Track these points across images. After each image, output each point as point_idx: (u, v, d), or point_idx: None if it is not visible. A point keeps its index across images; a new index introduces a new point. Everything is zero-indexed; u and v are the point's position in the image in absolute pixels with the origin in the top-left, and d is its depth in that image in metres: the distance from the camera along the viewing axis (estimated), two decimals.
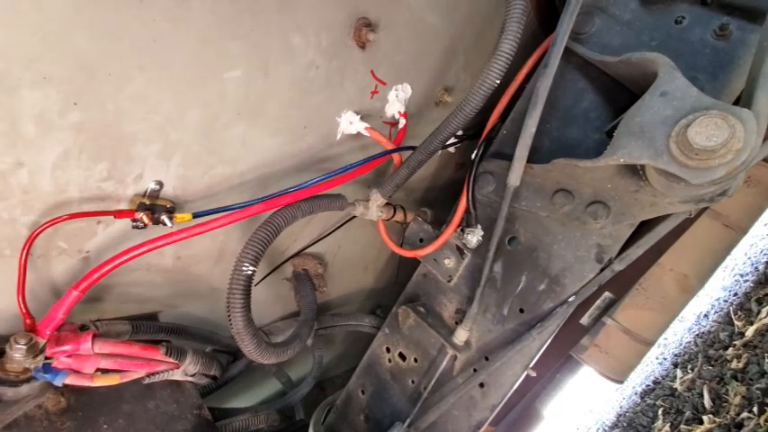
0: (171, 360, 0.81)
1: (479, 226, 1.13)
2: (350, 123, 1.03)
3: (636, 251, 0.96)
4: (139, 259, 0.86)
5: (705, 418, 2.03)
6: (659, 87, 0.66)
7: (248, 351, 0.80)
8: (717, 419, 1.95)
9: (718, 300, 3.38)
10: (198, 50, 0.71)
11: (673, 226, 0.94)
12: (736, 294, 3.08)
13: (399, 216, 1.26)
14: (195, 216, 0.82)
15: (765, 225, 3.54)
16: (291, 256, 1.22)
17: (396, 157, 1.10)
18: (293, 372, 1.61)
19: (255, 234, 0.80)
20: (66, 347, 0.69)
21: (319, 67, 0.90)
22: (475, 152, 1.14)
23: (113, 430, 0.70)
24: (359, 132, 1.05)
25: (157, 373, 0.80)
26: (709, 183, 0.62)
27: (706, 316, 3.41)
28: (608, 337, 1.96)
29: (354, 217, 1.31)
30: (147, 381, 0.80)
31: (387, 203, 1.19)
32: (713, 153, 0.57)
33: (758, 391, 1.71)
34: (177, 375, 0.83)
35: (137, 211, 0.76)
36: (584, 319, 1.82)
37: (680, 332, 3.55)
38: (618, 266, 0.97)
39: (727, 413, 1.90)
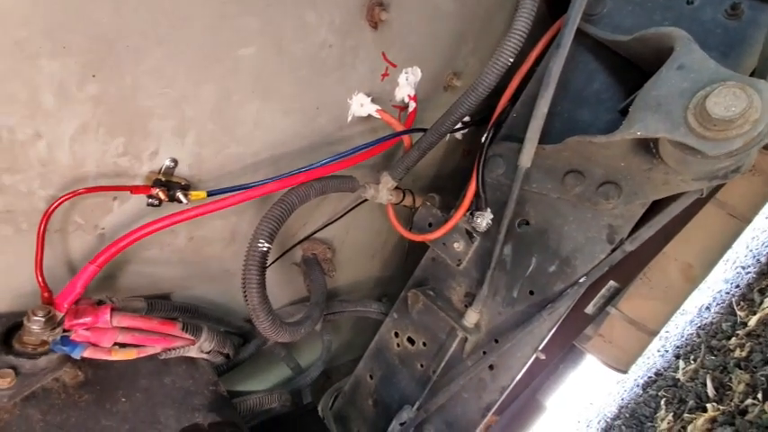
0: (187, 336, 0.81)
1: (489, 209, 1.13)
2: (361, 105, 1.03)
3: (647, 231, 0.97)
4: (154, 238, 0.87)
5: (709, 406, 2.05)
6: (676, 60, 0.66)
7: (263, 328, 0.80)
8: (721, 407, 1.96)
9: (719, 292, 3.39)
10: (215, 25, 0.72)
11: (684, 205, 0.94)
12: (738, 286, 3.10)
13: (408, 200, 1.26)
14: (210, 194, 0.82)
15: (767, 218, 3.55)
16: (301, 241, 1.22)
17: (406, 139, 1.10)
18: (302, 358, 1.61)
19: (270, 211, 0.81)
20: (86, 319, 0.69)
21: (332, 46, 0.90)
22: (485, 135, 1.14)
23: (131, 404, 0.71)
24: (370, 115, 1.05)
25: (174, 349, 0.80)
26: (725, 155, 0.62)
27: (708, 308, 3.42)
28: (612, 326, 1.97)
29: (363, 202, 1.31)
30: (163, 356, 0.80)
31: (396, 187, 1.19)
32: (731, 123, 0.58)
33: (762, 378, 1.72)
34: (193, 352, 0.83)
35: (153, 187, 0.76)
36: (589, 309, 1.82)
37: (681, 324, 3.57)
38: (629, 247, 0.98)
39: (731, 401, 1.91)
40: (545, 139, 0.99)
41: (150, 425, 0.69)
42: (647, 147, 0.83)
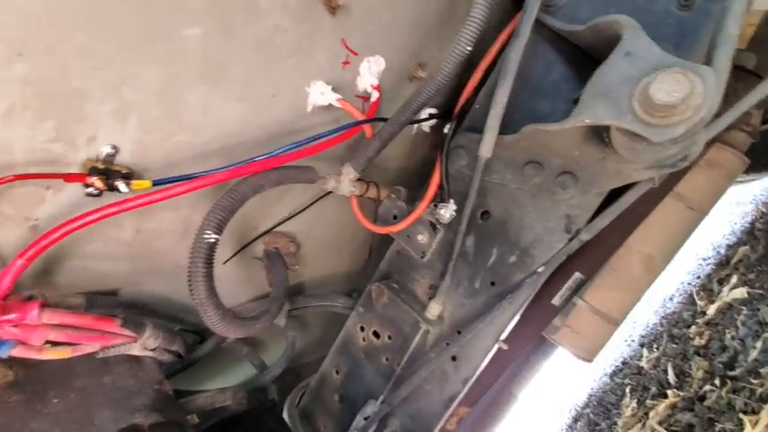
0: (128, 333, 0.77)
1: (452, 201, 1.13)
2: (321, 94, 1.00)
3: (602, 221, 0.98)
4: (95, 231, 0.82)
5: (669, 392, 2.12)
6: (624, 48, 0.67)
7: (212, 323, 0.77)
8: (681, 393, 2.04)
9: (682, 283, 3.53)
10: (152, 1, 0.67)
11: (638, 195, 0.96)
12: (698, 277, 3.23)
13: (373, 192, 1.24)
14: (155, 184, 0.78)
15: (728, 212, 3.71)
16: (262, 234, 1.19)
17: (368, 130, 1.08)
18: (268, 356, 1.58)
19: (219, 202, 0.77)
20: (11, 316, 0.64)
21: (287, 31, 0.87)
22: (447, 126, 1.13)
23: (64, 405, 0.66)
24: (330, 104, 1.03)
25: (113, 347, 0.76)
26: (670, 142, 0.63)
27: (671, 298, 3.56)
28: (578, 317, 2.00)
29: (327, 195, 1.29)
30: (101, 355, 0.76)
31: (360, 179, 1.17)
32: (674, 109, 0.58)
33: (720, 365, 1.79)
34: (136, 350, 0.79)
35: (89, 175, 0.71)
36: (556, 300, 1.86)
37: (647, 315, 3.70)
38: (585, 236, 0.99)
39: (691, 387, 1.99)
40: (506, 129, 0.99)
41: (83, 426, 0.64)
42: (600, 136, 0.84)
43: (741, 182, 2.89)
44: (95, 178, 0.71)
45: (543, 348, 2.82)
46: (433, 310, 1.13)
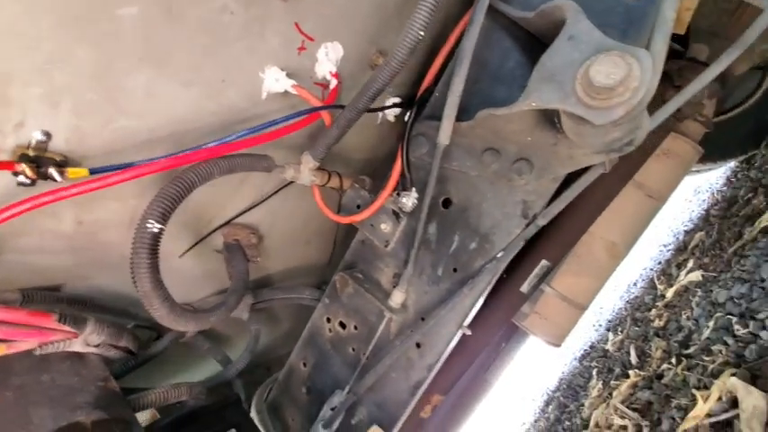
0: (67, 328, 0.73)
1: (414, 189, 1.13)
2: (275, 80, 0.98)
3: (557, 205, 1.00)
4: (30, 222, 0.78)
5: (631, 372, 2.21)
6: (567, 31, 0.67)
7: (159, 316, 0.74)
8: (641, 373, 2.13)
9: (644, 269, 3.68)
10: None
11: (590, 180, 0.98)
12: (659, 263, 3.37)
13: (335, 182, 1.22)
14: (93, 172, 0.74)
15: (686, 200, 3.89)
16: (220, 226, 1.15)
17: (326, 117, 1.06)
18: (234, 349, 1.55)
19: (163, 190, 0.74)
20: None
21: (234, 14, 0.84)
22: (408, 114, 1.13)
23: (0, 403, 0.63)
24: (286, 91, 1.00)
25: (52, 343, 0.72)
26: (611, 124, 0.64)
27: (635, 284, 3.71)
28: (546, 303, 2.06)
29: (289, 185, 1.26)
30: (40, 352, 0.72)
31: (321, 168, 1.16)
32: (612, 91, 0.59)
33: (676, 344, 1.88)
34: (77, 346, 0.75)
35: (18, 162, 0.67)
36: (525, 287, 1.90)
37: (613, 300, 3.85)
38: (542, 221, 1.01)
39: (650, 366, 2.08)
40: (465, 117, 0.99)
41: (20, 426, 0.61)
42: (552, 122, 0.85)
43: (699, 171, 3.03)
44: (25, 166, 0.67)
45: (516, 337, 2.89)
46: (397, 298, 1.13)
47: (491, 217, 1.04)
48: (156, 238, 0.71)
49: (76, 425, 0.64)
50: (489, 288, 1.11)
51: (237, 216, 1.16)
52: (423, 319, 1.14)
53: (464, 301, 1.07)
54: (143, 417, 1.34)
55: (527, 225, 1.01)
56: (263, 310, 1.53)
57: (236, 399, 1.09)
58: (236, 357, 1.40)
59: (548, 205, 1.02)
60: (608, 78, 0.58)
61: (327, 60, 1.07)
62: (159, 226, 0.71)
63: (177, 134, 0.89)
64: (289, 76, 0.99)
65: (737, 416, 1.19)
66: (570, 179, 1.01)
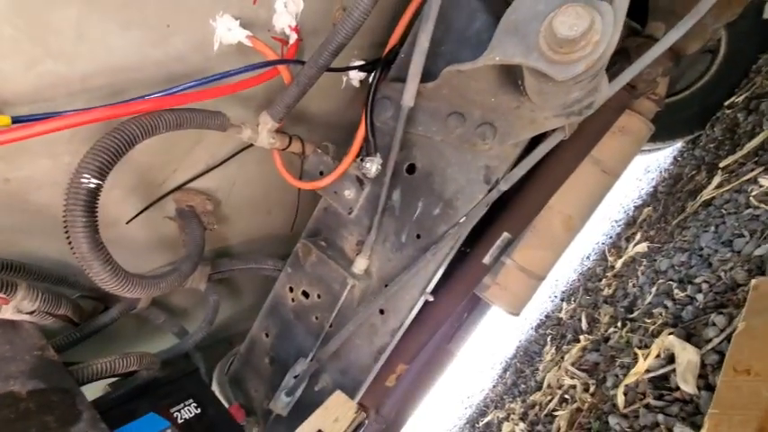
0: None
1: (378, 154, 1.10)
2: (228, 30, 0.90)
3: (518, 171, 1.02)
4: None
5: (582, 337, 2.36)
6: None
7: (101, 281, 0.68)
8: (590, 337, 2.27)
9: (597, 243, 3.89)
10: None
11: (550, 146, 1.00)
12: (610, 237, 3.58)
13: (296, 147, 1.18)
14: (16, 121, 0.66)
15: (637, 179, 4.12)
16: (172, 191, 1.08)
17: (285, 75, 1.00)
18: (193, 321, 1.49)
19: (100, 141, 0.67)
20: None
21: None
22: (372, 75, 1.09)
23: None
24: (241, 43, 0.93)
25: None
26: (572, 81, 0.64)
27: (588, 257, 3.92)
28: (507, 274, 2.14)
29: (247, 148, 1.20)
30: None
31: (281, 132, 1.10)
32: (575, 44, 0.59)
33: (622, 310, 2.01)
34: (8, 313, 0.69)
35: None
36: (487, 259, 1.96)
37: (568, 272, 4.06)
38: (503, 186, 1.02)
39: (599, 331, 2.22)
40: (430, 80, 0.97)
41: None
42: (516, 84, 0.85)
43: (649, 151, 3.20)
44: None
45: (478, 309, 2.99)
46: (360, 264, 1.12)
47: (455, 182, 1.04)
48: (93, 194, 0.65)
49: (10, 394, 0.59)
50: (452, 254, 1.13)
51: (191, 180, 1.10)
52: (386, 286, 1.14)
53: (427, 266, 1.08)
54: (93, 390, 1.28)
55: (489, 190, 1.02)
56: (223, 282, 1.48)
57: (194, 369, 1.05)
58: (194, 329, 1.35)
59: (509, 171, 1.03)
60: (571, 30, 0.58)
61: (286, 12, 1.01)
62: (96, 181, 0.65)
63: (116, 85, 0.81)
64: (243, 26, 0.92)
65: (674, 370, 1.29)
66: (531, 147, 1.03)
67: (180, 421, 0.92)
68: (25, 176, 0.79)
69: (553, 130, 0.98)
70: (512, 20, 0.66)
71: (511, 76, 0.83)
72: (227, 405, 1.28)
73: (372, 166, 1.09)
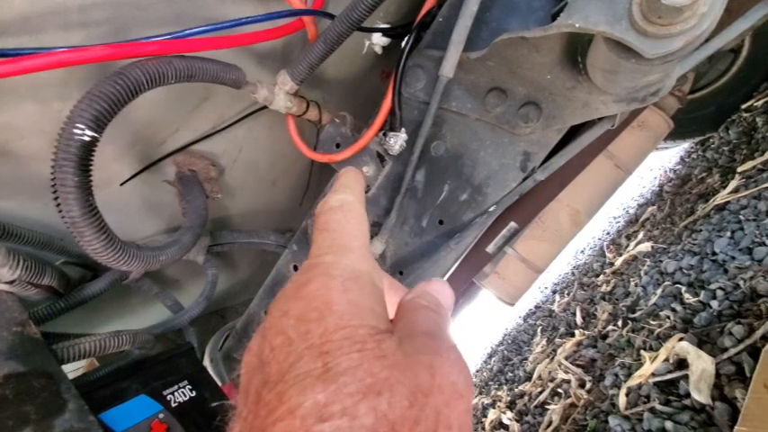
0: None
1: (404, 129, 1.00)
2: None
3: (558, 160, 0.94)
4: None
5: (577, 332, 2.35)
6: None
7: (94, 250, 0.59)
8: (586, 332, 2.26)
9: (593, 238, 3.88)
10: None
11: (595, 136, 0.92)
12: (609, 233, 3.56)
13: (313, 114, 1.07)
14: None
15: (638, 177, 4.09)
16: (173, 152, 0.97)
17: (310, 28, 0.88)
18: (187, 295, 1.40)
19: (99, 86, 0.56)
20: None
21: None
22: (406, 39, 0.97)
23: None
24: None
25: None
26: (660, 60, 0.55)
27: (582, 252, 3.91)
28: (507, 265, 2.09)
29: (259, 110, 1.09)
30: None
31: (299, 95, 0.99)
32: (679, 15, 0.50)
33: (623, 308, 1.99)
34: None
35: None
36: (490, 248, 1.90)
37: (560, 265, 4.07)
38: (540, 176, 0.94)
39: (596, 327, 2.21)
40: (470, 49, 0.86)
41: None
42: (575, 61, 0.76)
43: (656, 149, 3.14)
44: None
45: (468, 292, 2.96)
46: (376, 248, 1.04)
47: (487, 167, 0.96)
48: (88, 149, 0.54)
49: None
50: (473, 244, 1.05)
51: (195, 142, 0.98)
52: (401, 273, 1.06)
53: (448, 256, 1.00)
54: (76, 367, 1.19)
55: (524, 178, 0.94)
56: (221, 255, 1.39)
57: (189, 348, 0.97)
58: (190, 304, 1.26)
59: (546, 159, 0.95)
60: None
61: None
62: (91, 134, 0.54)
63: (119, 21, 0.69)
64: None
65: (683, 377, 1.26)
66: (569, 134, 0.94)
67: (174, 405, 0.85)
68: (5, 122, 0.67)
69: (601, 119, 0.89)
70: None
71: (573, 51, 0.73)
72: (219, 383, 1.21)
73: (396, 142, 0.99)
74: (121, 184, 0.93)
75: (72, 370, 1.24)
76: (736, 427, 0.82)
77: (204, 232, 1.14)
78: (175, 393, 0.87)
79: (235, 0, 0.82)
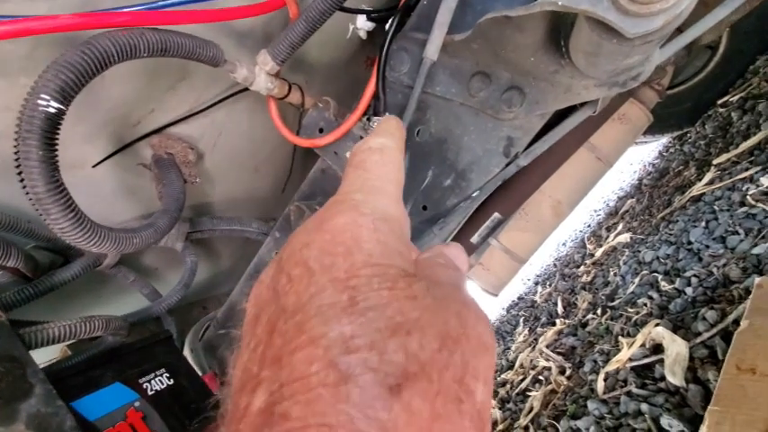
0: None
1: (388, 114, 0.99)
2: None
3: (541, 146, 0.94)
4: None
5: (558, 321, 2.40)
6: None
7: (61, 229, 0.56)
8: (567, 321, 2.31)
9: (574, 230, 3.96)
10: None
11: (578, 122, 0.93)
12: (589, 225, 3.63)
13: (296, 97, 1.04)
14: None
15: (618, 171, 4.18)
16: (149, 133, 0.94)
17: (291, 5, 0.86)
18: (166, 283, 1.37)
19: (65, 56, 0.53)
20: None
21: None
22: (390, 21, 0.96)
23: None
24: None
25: None
26: (641, 38, 0.55)
27: (564, 244, 3.99)
28: (491, 256, 2.11)
29: (240, 92, 1.06)
30: None
31: (280, 77, 0.97)
32: None
33: (603, 297, 2.03)
34: None
35: None
36: (475, 239, 1.92)
37: (542, 257, 4.13)
38: (523, 161, 0.95)
39: (576, 316, 2.26)
40: (455, 32, 0.85)
41: None
42: (558, 44, 0.76)
43: (635, 143, 3.21)
44: None
45: None
46: None
47: (471, 152, 0.95)
48: (53, 121, 0.51)
49: None
50: (458, 229, 1.05)
51: (172, 124, 0.95)
52: None
53: (432, 242, 1.00)
54: (47, 354, 1.15)
55: (508, 164, 0.94)
56: (201, 242, 1.36)
57: (168, 335, 0.95)
58: (168, 292, 1.23)
59: (529, 145, 0.95)
60: None
61: None
62: (57, 105, 0.51)
63: None
64: None
65: (658, 361, 1.29)
66: (551, 121, 0.95)
67: (150, 393, 0.82)
68: None
69: (582, 104, 0.90)
70: None
71: (556, 34, 0.73)
72: (200, 373, 1.19)
73: None
74: (94, 166, 0.89)
75: (45, 361, 1.20)
76: (709, 407, 0.85)
77: (183, 219, 1.11)
78: (152, 381, 0.85)
79: None
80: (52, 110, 0.51)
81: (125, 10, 0.60)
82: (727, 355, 0.92)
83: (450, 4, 0.79)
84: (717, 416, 0.81)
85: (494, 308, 4.28)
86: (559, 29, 0.73)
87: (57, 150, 0.54)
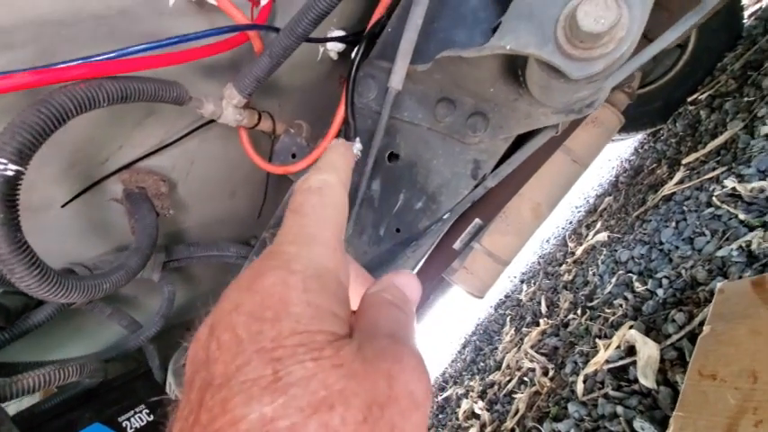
0: None
1: (358, 139, 1.00)
2: None
3: (507, 167, 0.97)
4: None
5: (541, 321, 2.45)
6: None
7: (27, 286, 0.56)
8: (550, 321, 2.36)
9: (557, 227, 4.03)
10: None
11: (541, 143, 0.96)
12: (570, 222, 3.70)
13: (266, 125, 1.05)
14: None
15: (598, 167, 4.26)
16: (117, 170, 0.93)
17: (255, 41, 0.87)
18: (142, 314, 1.36)
19: (21, 116, 0.53)
20: None
21: None
22: (355, 50, 0.97)
23: None
24: (201, 0, 0.79)
25: None
26: (586, 80, 0.58)
27: (547, 241, 4.06)
28: (474, 259, 2.15)
29: (208, 123, 1.06)
30: None
31: (249, 107, 0.97)
32: (598, 39, 0.52)
33: (582, 297, 2.08)
34: None
35: None
36: (457, 244, 1.95)
37: (528, 255, 4.20)
38: (491, 183, 0.97)
39: (558, 316, 2.31)
40: (418, 61, 0.87)
41: None
42: (516, 74, 0.78)
43: (612, 141, 3.28)
44: None
45: (440, 287, 3.02)
46: None
47: (440, 175, 0.98)
48: (11, 184, 0.52)
49: None
50: (431, 250, 1.08)
51: (141, 159, 0.95)
52: None
53: (406, 263, 1.02)
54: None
55: (475, 186, 0.96)
56: (179, 270, 1.35)
57: (146, 370, 0.95)
58: (147, 322, 1.23)
59: (496, 167, 0.98)
60: (596, 23, 0.51)
61: None
62: (15, 167, 0.51)
63: (44, 42, 0.65)
64: None
65: (633, 363, 1.33)
66: (516, 143, 0.98)
67: (130, 431, 0.83)
68: None
69: (545, 127, 0.93)
70: (526, 3, 0.58)
71: (512, 65, 0.75)
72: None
73: None
74: (63, 206, 0.88)
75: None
76: (674, 413, 0.89)
77: (159, 247, 1.11)
78: (131, 419, 0.85)
79: (172, 13, 0.79)
80: (10, 173, 0.51)
81: (84, 62, 0.60)
82: (690, 360, 0.96)
83: (412, 36, 0.81)
84: (680, 421, 0.85)
85: (483, 307, 4.34)
86: (516, 60, 0.75)
87: (18, 211, 0.54)
